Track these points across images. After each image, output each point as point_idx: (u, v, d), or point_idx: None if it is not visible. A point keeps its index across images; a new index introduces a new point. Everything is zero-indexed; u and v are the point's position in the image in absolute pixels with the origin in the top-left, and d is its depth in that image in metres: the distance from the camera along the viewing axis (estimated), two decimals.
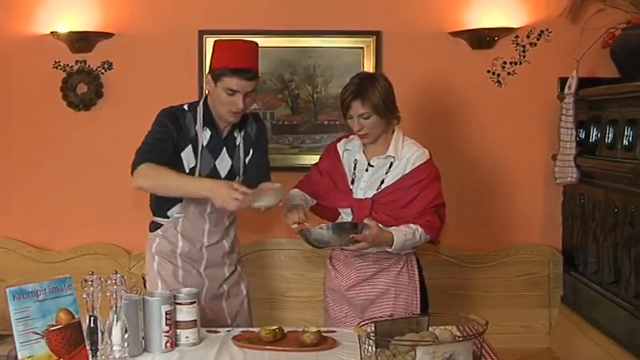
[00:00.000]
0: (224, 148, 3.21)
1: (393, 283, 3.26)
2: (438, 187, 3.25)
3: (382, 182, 3.23)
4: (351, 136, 3.33)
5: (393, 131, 3.28)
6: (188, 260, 3.24)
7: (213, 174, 3.17)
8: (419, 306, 3.26)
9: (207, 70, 3.17)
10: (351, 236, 3.05)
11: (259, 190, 2.99)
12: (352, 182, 3.30)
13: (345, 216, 3.30)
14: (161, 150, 3.04)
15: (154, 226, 3.28)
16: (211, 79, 3.09)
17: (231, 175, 3.20)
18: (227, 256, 3.34)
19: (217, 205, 2.88)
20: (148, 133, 3.11)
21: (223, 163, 3.21)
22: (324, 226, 3.12)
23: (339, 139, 3.44)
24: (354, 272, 3.30)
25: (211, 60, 3.13)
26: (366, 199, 3.23)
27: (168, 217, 3.22)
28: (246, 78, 3.02)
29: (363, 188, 3.26)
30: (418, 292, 3.28)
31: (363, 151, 3.31)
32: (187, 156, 3.12)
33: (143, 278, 3.32)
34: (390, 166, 3.24)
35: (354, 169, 3.31)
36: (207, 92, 3.22)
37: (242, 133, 3.26)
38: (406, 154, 3.24)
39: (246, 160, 3.28)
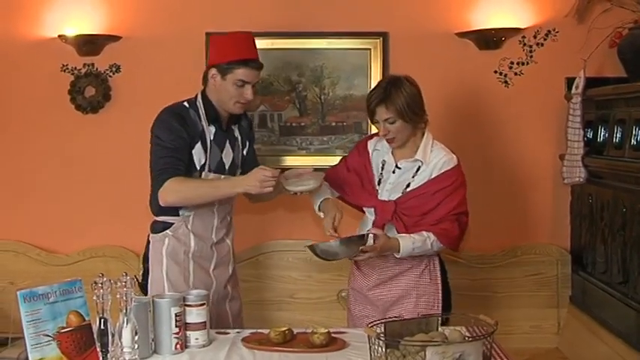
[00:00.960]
0: (227, 141, 3.27)
1: (414, 285, 3.27)
2: (462, 194, 3.24)
3: (408, 186, 3.24)
4: None
5: (424, 134, 3.28)
6: (199, 260, 3.25)
7: (220, 167, 3.24)
8: (440, 309, 3.25)
9: (209, 64, 3.22)
10: (360, 248, 3.06)
11: (296, 174, 3.12)
12: (379, 182, 3.31)
13: (369, 215, 3.33)
14: (179, 160, 3.09)
15: (161, 227, 3.25)
16: (217, 73, 3.15)
17: (233, 167, 3.29)
18: (230, 254, 3.40)
19: (254, 193, 3.02)
20: (158, 141, 3.12)
21: (227, 156, 3.27)
22: (332, 241, 3.12)
23: (371, 137, 3.44)
24: (375, 273, 3.31)
25: (214, 54, 3.21)
26: (389, 201, 3.24)
27: (178, 216, 3.22)
28: (255, 68, 3.17)
29: (389, 190, 3.27)
30: (440, 295, 3.28)
31: (392, 153, 3.31)
32: (198, 152, 3.16)
33: (137, 280, 3.27)
34: (418, 170, 3.24)
35: (382, 170, 3.32)
36: (204, 87, 3.25)
37: (237, 126, 3.35)
38: (434, 159, 3.23)
39: (244, 152, 3.37)
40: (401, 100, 3.13)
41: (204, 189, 3.12)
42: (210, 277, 3.28)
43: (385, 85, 3.20)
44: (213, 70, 3.17)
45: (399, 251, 3.13)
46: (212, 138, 3.20)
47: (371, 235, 3.12)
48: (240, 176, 3.21)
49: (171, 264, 3.23)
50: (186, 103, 3.23)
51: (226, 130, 3.28)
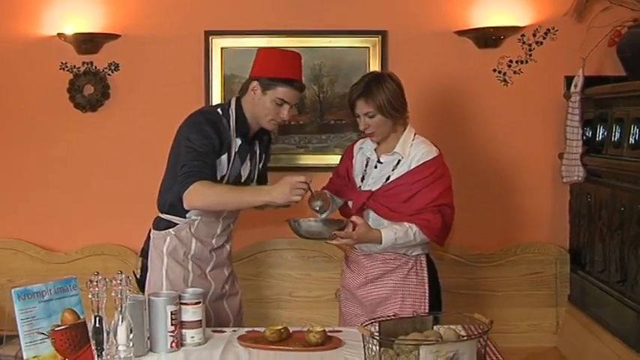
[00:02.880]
0: (248, 155, 3.23)
1: (400, 284, 3.25)
2: (444, 186, 3.21)
3: (388, 178, 3.24)
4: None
5: (405, 129, 3.29)
6: (197, 262, 3.24)
7: (237, 180, 3.20)
8: (427, 309, 3.22)
9: (252, 76, 3.14)
10: (333, 233, 3.08)
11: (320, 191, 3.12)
12: (362, 179, 3.32)
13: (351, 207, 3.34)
14: (207, 165, 3.03)
15: (164, 224, 3.22)
16: (259, 86, 3.10)
17: (248, 181, 3.26)
18: (228, 259, 3.39)
19: (282, 202, 2.96)
20: (188, 143, 3.05)
21: (245, 169, 3.23)
22: (313, 219, 3.15)
23: (359, 139, 3.47)
24: (363, 272, 3.31)
25: (259, 67, 3.14)
26: (367, 191, 3.25)
27: (184, 218, 3.19)
28: (298, 89, 3.14)
29: (371, 184, 3.28)
30: (427, 295, 3.26)
31: (375, 149, 3.32)
32: (221, 163, 3.11)
33: (135, 276, 3.25)
34: (398, 163, 3.24)
35: (366, 167, 3.34)
36: (240, 96, 3.20)
37: (259, 141, 3.30)
38: (413, 152, 3.23)
39: (260, 166, 3.34)
40: (381, 96, 3.14)
41: (230, 196, 3.06)
42: (207, 279, 3.27)
43: (367, 80, 3.22)
44: (255, 83, 3.11)
45: (380, 242, 3.13)
46: (237, 150, 3.16)
47: (351, 223, 3.12)
48: (267, 186, 3.18)
49: (171, 262, 3.20)
50: (219, 110, 3.17)
51: (249, 143, 3.24)
